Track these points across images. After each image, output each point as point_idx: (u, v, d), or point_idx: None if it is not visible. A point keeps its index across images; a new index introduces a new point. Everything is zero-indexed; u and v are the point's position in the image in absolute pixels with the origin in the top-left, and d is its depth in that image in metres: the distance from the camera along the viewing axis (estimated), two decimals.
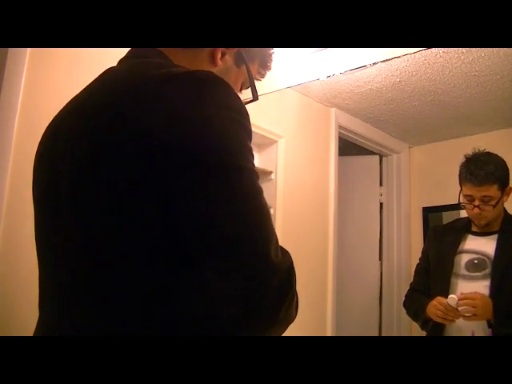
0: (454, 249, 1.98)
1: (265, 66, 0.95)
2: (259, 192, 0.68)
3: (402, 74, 2.34)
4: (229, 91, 0.69)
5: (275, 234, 0.66)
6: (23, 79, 1.58)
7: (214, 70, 0.74)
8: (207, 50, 0.84)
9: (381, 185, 3.34)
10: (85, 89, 0.79)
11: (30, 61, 1.60)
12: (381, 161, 3.36)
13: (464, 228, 2.03)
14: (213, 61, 0.84)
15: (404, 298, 2.22)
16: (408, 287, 2.26)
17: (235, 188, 0.64)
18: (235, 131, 0.67)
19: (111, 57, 1.85)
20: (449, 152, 3.23)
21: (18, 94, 1.56)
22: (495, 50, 2.09)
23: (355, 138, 2.99)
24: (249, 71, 0.89)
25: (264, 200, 0.67)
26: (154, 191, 0.61)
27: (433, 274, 2.05)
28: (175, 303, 0.63)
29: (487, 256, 1.89)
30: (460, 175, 2.02)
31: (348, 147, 3.14)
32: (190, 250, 0.62)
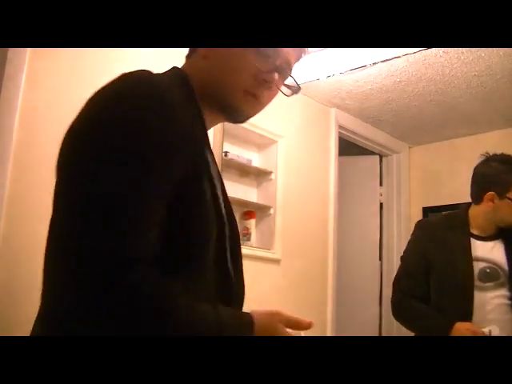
0: (468, 255, 1.80)
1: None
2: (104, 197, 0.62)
3: (402, 74, 2.35)
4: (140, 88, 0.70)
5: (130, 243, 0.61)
6: (23, 79, 1.58)
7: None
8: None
9: (381, 185, 3.35)
10: None
11: (29, 61, 1.60)
12: (381, 161, 3.37)
13: (466, 229, 1.86)
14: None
15: (394, 306, 1.90)
16: None
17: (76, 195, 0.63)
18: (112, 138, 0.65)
19: (112, 57, 1.85)
20: (449, 152, 3.24)
21: (18, 94, 1.56)
22: (495, 49, 2.09)
23: (355, 137, 2.99)
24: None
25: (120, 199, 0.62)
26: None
27: (442, 282, 1.81)
28: None
29: (497, 264, 1.78)
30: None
31: (348, 147, 3.14)
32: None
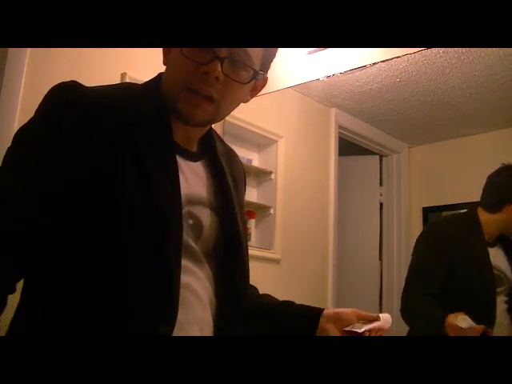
0: (489, 261, 1.78)
1: None
2: None
3: (402, 74, 2.35)
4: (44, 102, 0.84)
5: None
6: (23, 79, 1.58)
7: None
8: None
9: (381, 185, 3.34)
10: None
11: (29, 61, 1.60)
12: (381, 161, 3.35)
13: (482, 235, 1.85)
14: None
15: (403, 302, 1.95)
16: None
17: None
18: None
19: (111, 57, 1.85)
20: (449, 152, 3.22)
21: (18, 94, 1.56)
22: (495, 49, 2.09)
23: (355, 137, 2.98)
24: None
25: None
26: None
27: (467, 286, 1.78)
28: None
29: (500, 270, 1.79)
30: None
31: (348, 147, 3.14)
32: None
